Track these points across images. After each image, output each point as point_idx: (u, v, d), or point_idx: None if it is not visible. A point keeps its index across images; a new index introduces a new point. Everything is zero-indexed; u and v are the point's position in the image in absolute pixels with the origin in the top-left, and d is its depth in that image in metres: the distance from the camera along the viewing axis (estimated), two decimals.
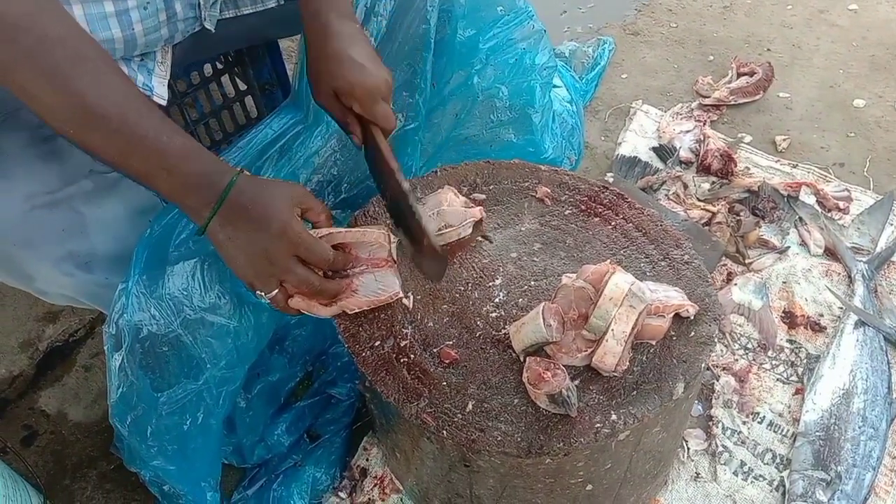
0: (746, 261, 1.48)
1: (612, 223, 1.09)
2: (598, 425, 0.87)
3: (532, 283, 1.03)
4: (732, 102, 1.75)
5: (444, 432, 0.90)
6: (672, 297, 0.95)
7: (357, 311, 0.99)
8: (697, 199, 1.58)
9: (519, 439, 0.88)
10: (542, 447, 0.87)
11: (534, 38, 1.36)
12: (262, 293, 0.93)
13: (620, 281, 0.92)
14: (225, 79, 1.49)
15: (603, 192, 1.13)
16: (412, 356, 0.97)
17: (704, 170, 1.62)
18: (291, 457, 1.29)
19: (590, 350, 0.91)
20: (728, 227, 1.51)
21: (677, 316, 0.95)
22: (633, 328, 0.90)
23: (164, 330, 1.02)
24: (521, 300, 1.00)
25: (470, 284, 1.04)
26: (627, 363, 0.92)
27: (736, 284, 1.44)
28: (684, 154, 1.65)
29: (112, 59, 0.88)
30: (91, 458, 1.33)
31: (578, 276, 0.97)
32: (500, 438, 0.88)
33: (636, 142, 1.70)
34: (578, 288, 0.95)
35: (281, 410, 1.32)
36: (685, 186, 1.60)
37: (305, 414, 1.33)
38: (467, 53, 1.33)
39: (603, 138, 1.73)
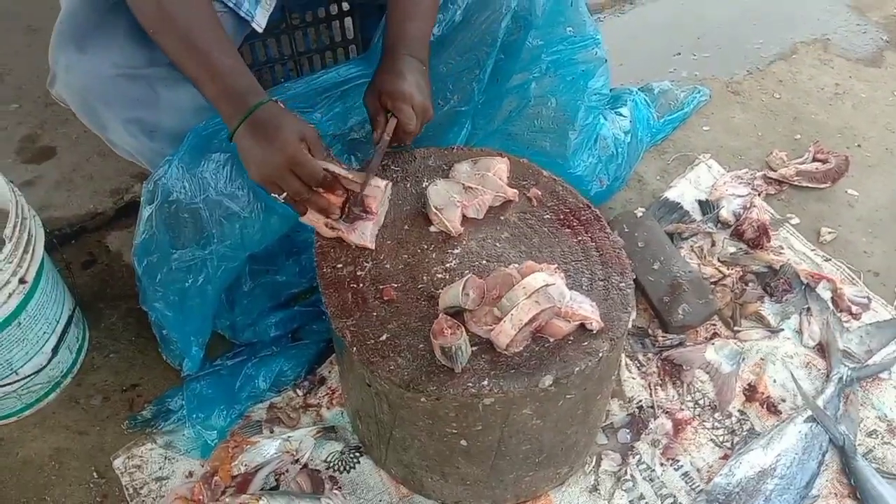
0: (735, 328, 1.53)
1: (579, 237, 1.20)
2: (469, 384, 1.01)
3: (484, 262, 1.17)
4: (796, 183, 1.77)
5: (355, 349, 1.07)
6: (584, 308, 1.06)
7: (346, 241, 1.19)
8: (718, 259, 1.63)
9: (405, 374, 1.03)
10: (418, 385, 1.02)
11: (593, 64, 1.48)
12: (276, 196, 1.14)
13: (539, 278, 1.05)
14: (337, 25, 1.70)
15: (584, 210, 1.24)
16: (360, 285, 1.15)
17: (737, 235, 1.66)
18: (272, 347, 1.50)
19: (493, 326, 1.05)
20: (731, 292, 1.56)
21: (583, 326, 1.06)
22: (531, 319, 1.02)
23: (189, 200, 1.25)
24: (466, 272, 1.15)
25: (433, 246, 1.19)
26: (521, 347, 1.05)
27: (714, 344, 1.49)
28: (725, 215, 1.70)
29: None
30: (126, 294, 1.60)
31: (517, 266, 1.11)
32: (391, 368, 1.04)
33: (686, 190, 1.77)
34: (507, 273, 1.09)
35: (277, 308, 1.54)
36: (712, 244, 1.66)
37: (296, 317, 1.53)
38: (531, 61, 1.47)
39: (658, 178, 1.81)
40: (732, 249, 1.65)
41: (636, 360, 1.49)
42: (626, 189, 1.78)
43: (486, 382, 1.01)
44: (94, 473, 1.38)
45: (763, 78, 2.03)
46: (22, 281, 1.30)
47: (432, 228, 1.21)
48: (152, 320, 1.42)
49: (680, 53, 2.10)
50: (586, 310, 1.06)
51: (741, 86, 2.01)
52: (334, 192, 1.16)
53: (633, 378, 1.46)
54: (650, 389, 1.44)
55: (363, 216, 1.19)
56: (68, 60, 1.16)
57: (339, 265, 1.18)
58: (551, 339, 1.06)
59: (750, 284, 1.58)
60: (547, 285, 1.05)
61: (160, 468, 1.38)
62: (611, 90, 1.92)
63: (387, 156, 1.30)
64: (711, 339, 1.51)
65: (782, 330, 1.52)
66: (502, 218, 1.24)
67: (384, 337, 1.09)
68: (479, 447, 1.12)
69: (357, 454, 1.38)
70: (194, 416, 1.40)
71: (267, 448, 1.38)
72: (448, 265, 1.17)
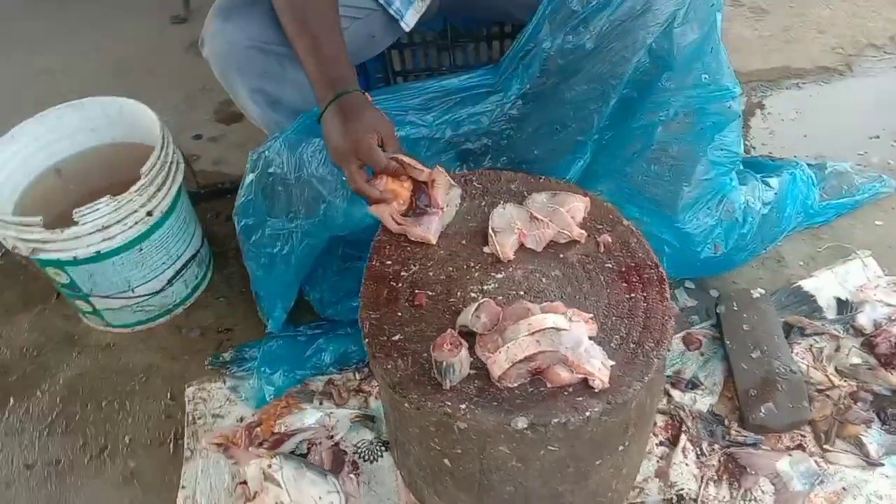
0: (825, 445, 1.33)
1: (632, 294, 1.13)
2: (447, 403, 1.00)
3: (521, 293, 1.14)
4: None
5: (367, 341, 1.11)
6: (591, 364, 1.00)
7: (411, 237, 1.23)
8: (835, 367, 1.43)
9: (396, 376, 1.05)
10: (403, 390, 1.03)
11: (725, 117, 1.38)
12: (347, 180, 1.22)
13: (549, 319, 1.01)
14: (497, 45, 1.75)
15: (650, 268, 1.16)
16: (399, 284, 1.18)
17: (869, 346, 1.45)
18: (347, 328, 1.58)
19: (493, 354, 1.03)
20: (834, 405, 1.37)
21: (587, 381, 1.00)
22: (528, 358, 0.99)
23: (284, 175, 1.37)
24: (500, 297, 1.13)
25: (480, 266, 1.19)
26: (514, 383, 1.02)
27: (791, 455, 1.32)
28: (863, 321, 1.48)
29: None
30: None
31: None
32: (388, 367, 1.06)
33: (828, 283, 1.57)
34: (525, 307, 1.06)
35: None
36: (836, 349, 1.46)
37: None
38: (661, 103, 1.40)
39: (801, 263, 1.63)
40: (857, 360, 1.44)
41: (698, 447, 1.36)
42: (760, 266, 1.62)
43: (463, 406, 1.00)
44: (169, 394, 1.56)
45: None
46: (149, 213, 1.50)
47: (486, 249, 1.21)
48: (251, 276, 1.56)
49: (879, 137, 1.86)
50: (593, 365, 1.00)
51: None
52: (400, 182, 1.20)
53: (687, 464, 1.34)
54: (701, 482, 1.31)
55: (428, 210, 1.22)
56: (215, 28, 1.32)
57: (389, 262, 1.22)
58: (548, 385, 1.02)
59: (860, 403, 1.37)
60: (557, 329, 1.01)
61: (220, 406, 1.52)
62: (772, 158, 1.78)
63: (471, 173, 1.32)
64: (794, 449, 1.34)
65: (882, 465, 1.30)
66: (561, 256, 1.20)
67: (397, 337, 1.11)
68: (462, 472, 1.10)
69: (384, 448, 1.41)
70: (262, 369, 1.52)
71: (309, 417, 1.46)
72: (485, 287, 1.16)
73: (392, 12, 1.46)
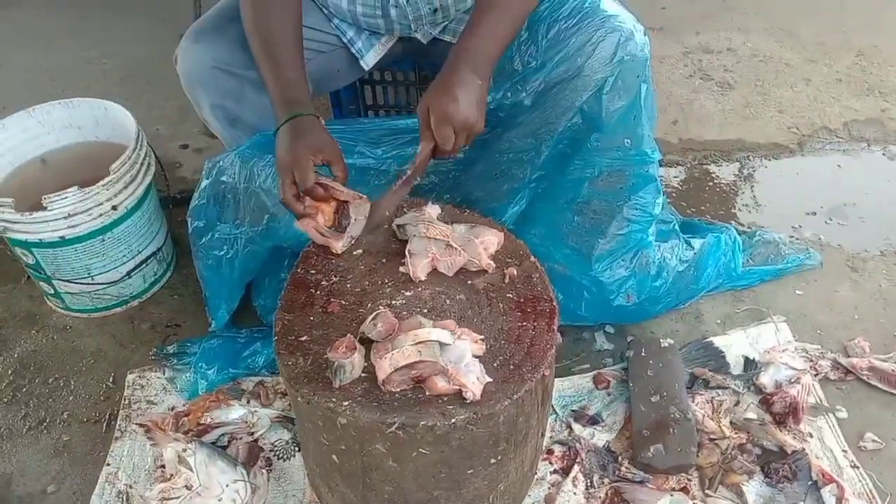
0: (707, 490, 1.41)
1: (523, 323, 1.23)
2: (332, 399, 1.10)
3: (426, 311, 1.25)
4: (865, 379, 1.57)
5: (275, 339, 1.22)
6: (468, 377, 1.10)
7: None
8: (731, 420, 1.52)
9: (293, 371, 1.16)
10: (296, 384, 1.14)
11: (641, 179, 1.50)
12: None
13: (435, 333, 1.12)
14: None
15: (544, 301, 1.26)
16: (317, 291, 1.29)
17: (766, 403, 1.53)
18: None
19: None
20: (721, 454, 1.45)
21: (462, 392, 1.10)
22: (409, 365, 1.09)
23: (236, 185, 1.49)
24: (404, 312, 1.24)
25: (393, 283, 1.30)
26: (396, 388, 1.12)
27: (672, 496, 1.40)
28: (765, 380, 1.57)
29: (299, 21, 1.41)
30: None
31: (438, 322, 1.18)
32: (289, 363, 1.17)
33: (738, 342, 1.66)
34: (419, 321, 1.17)
35: None
36: (735, 404, 1.55)
37: None
38: (590, 160, 1.52)
39: (718, 321, 1.72)
40: (752, 416, 1.52)
41: (589, 479, 1.44)
42: (678, 320, 1.72)
43: (346, 403, 1.10)
44: (112, 378, 1.67)
45: None
46: (114, 208, 1.62)
47: (402, 269, 1.32)
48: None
49: (815, 213, 1.96)
50: (468, 379, 1.10)
51: (865, 264, 1.83)
52: (326, 201, 1.32)
53: (576, 493, 1.42)
54: None
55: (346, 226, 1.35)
56: (184, 47, 1.47)
57: (313, 271, 1.33)
58: (427, 393, 1.12)
59: (746, 455, 1.45)
60: (441, 343, 1.11)
61: (155, 394, 1.62)
62: (707, 222, 1.89)
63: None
64: (678, 490, 1.42)
65: None
66: (469, 283, 1.30)
67: (304, 338, 1.22)
68: (347, 469, 1.20)
69: (297, 448, 1.50)
70: (200, 364, 1.62)
71: (234, 413, 1.55)
72: (394, 302, 1.26)
73: (354, 51, 1.60)
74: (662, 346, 1.61)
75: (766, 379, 1.58)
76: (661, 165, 1.62)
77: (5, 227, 1.58)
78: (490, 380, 1.13)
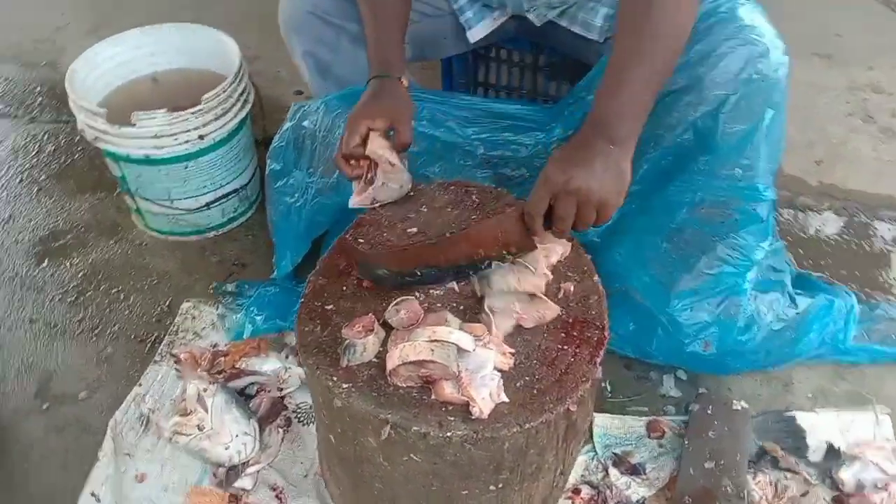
0: None
1: (563, 347, 1.09)
2: (332, 378, 1.03)
3: (462, 308, 1.14)
4: None
5: (301, 301, 1.15)
6: (479, 392, 0.99)
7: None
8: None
9: (306, 338, 1.09)
10: (305, 352, 1.07)
11: (747, 217, 1.32)
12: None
13: (455, 335, 1.02)
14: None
15: (594, 330, 1.12)
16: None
17: (838, 502, 1.32)
18: None
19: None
20: None
21: (468, 406, 1.00)
22: (419, 362, 1.00)
23: (316, 132, 1.44)
24: (438, 305, 1.14)
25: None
26: (402, 383, 1.03)
27: None
28: (845, 475, 1.34)
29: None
30: None
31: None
32: (305, 329, 1.11)
33: (827, 426, 1.43)
34: (443, 316, 1.07)
35: None
36: (803, 494, 1.34)
37: None
38: (693, 184, 1.35)
39: (809, 396, 1.50)
40: None
41: None
42: (763, 383, 1.52)
43: (345, 385, 1.02)
44: (168, 303, 1.68)
45: None
46: (201, 137, 1.62)
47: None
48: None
49: None
50: (480, 393, 0.99)
51: None
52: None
53: None
54: None
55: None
56: None
57: (361, 239, 1.25)
58: (431, 396, 1.02)
59: None
60: (459, 346, 1.01)
61: (203, 328, 1.62)
62: (825, 280, 1.66)
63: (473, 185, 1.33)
64: None
65: None
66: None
67: (330, 306, 1.15)
68: (342, 453, 1.13)
69: None
70: (251, 308, 1.60)
71: (270, 365, 1.52)
72: (433, 291, 1.16)
73: (462, 21, 1.50)
74: (734, 408, 1.42)
75: (848, 475, 1.36)
76: (775, 208, 1.42)
77: (97, 137, 1.61)
78: (506, 400, 1.02)
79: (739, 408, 1.42)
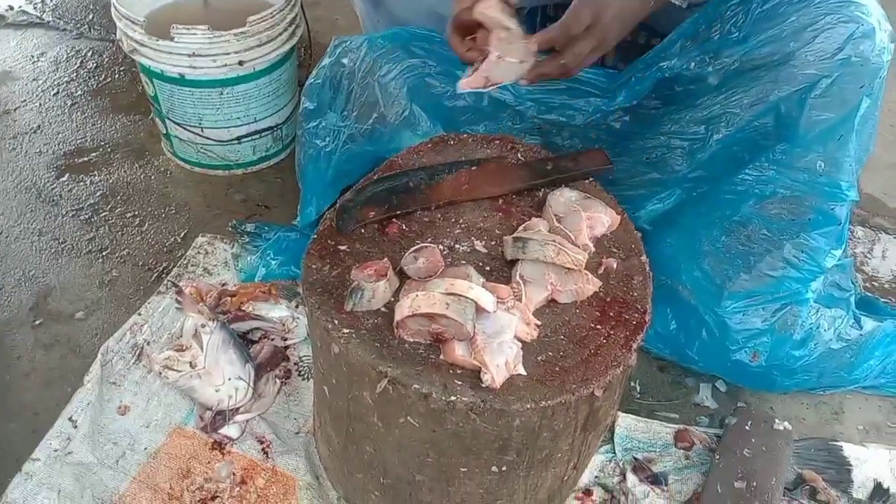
0: None
1: (598, 326, 0.97)
2: (333, 321, 0.92)
3: (488, 269, 1.02)
4: None
5: (313, 237, 1.05)
6: (494, 359, 0.88)
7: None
8: None
9: (311, 276, 0.99)
10: (308, 290, 0.97)
11: (823, 217, 1.18)
12: None
13: (475, 291, 0.90)
14: None
15: (635, 312, 0.99)
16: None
17: None
18: None
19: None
20: None
21: (479, 373, 0.88)
22: (431, 315, 0.88)
23: (354, 71, 1.32)
24: (462, 262, 1.02)
25: (468, 225, 1.08)
26: (409, 337, 0.91)
27: None
28: None
29: None
30: None
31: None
32: (313, 266, 1.00)
33: (877, 461, 1.27)
34: (465, 271, 0.95)
35: None
36: None
37: None
38: (765, 174, 1.21)
39: (860, 427, 1.34)
40: None
41: None
42: (811, 407, 1.37)
43: (346, 331, 0.91)
44: (183, 235, 1.59)
45: None
46: (240, 63, 1.52)
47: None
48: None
49: None
50: (494, 360, 0.87)
51: None
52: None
53: None
54: None
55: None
56: None
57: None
58: (440, 356, 0.90)
59: None
60: (479, 304, 0.89)
61: (215, 265, 1.52)
62: (887, 306, 1.51)
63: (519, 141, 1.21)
64: None
65: None
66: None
67: (344, 247, 1.04)
68: (335, 409, 1.01)
69: None
70: (267, 251, 1.51)
71: (277, 312, 1.42)
72: (458, 246, 1.04)
73: None
74: (775, 426, 1.27)
75: None
76: (852, 212, 1.27)
77: (134, 49, 1.53)
78: (523, 373, 0.89)
79: (782, 428, 1.27)
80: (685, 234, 1.31)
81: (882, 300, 1.53)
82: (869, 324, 1.33)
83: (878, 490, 1.25)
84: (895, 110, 2.03)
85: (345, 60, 1.33)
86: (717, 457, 1.24)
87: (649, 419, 1.33)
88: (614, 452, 1.27)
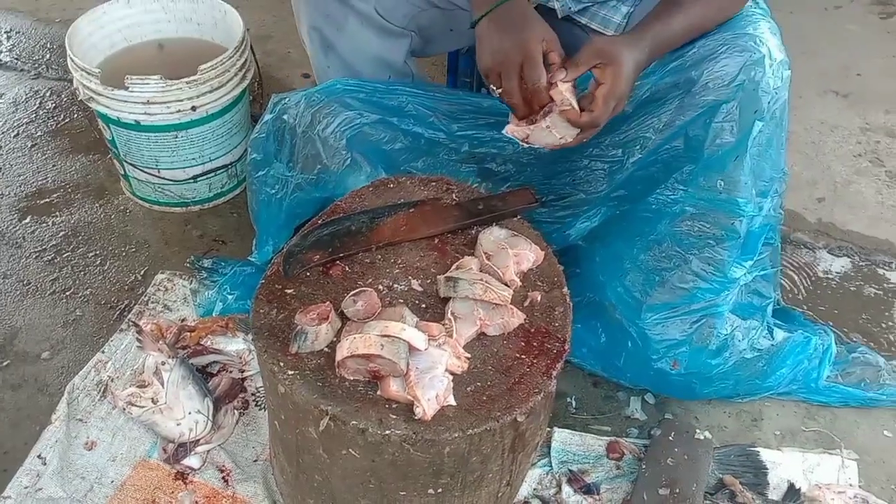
0: None
1: (522, 356, 1.07)
2: (279, 363, 1.01)
3: (423, 306, 1.12)
4: None
5: (261, 282, 1.14)
6: (425, 394, 0.97)
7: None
8: None
9: (261, 322, 1.08)
10: (257, 333, 1.06)
11: (725, 232, 1.30)
12: (493, 89, 1.21)
13: (408, 333, 1.00)
14: None
15: (555, 342, 1.09)
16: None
17: None
18: None
19: None
20: None
21: (413, 406, 0.97)
22: (367, 357, 0.98)
23: (295, 127, 1.41)
24: (400, 301, 1.12)
25: (405, 266, 1.17)
26: (349, 375, 1.01)
27: None
28: None
29: None
30: None
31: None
32: (261, 311, 1.09)
33: (790, 464, 1.40)
34: (400, 312, 1.05)
35: None
36: None
37: None
38: (672, 197, 1.33)
39: (777, 433, 1.46)
40: None
41: None
42: (732, 415, 1.49)
43: (290, 372, 1.00)
44: (144, 272, 1.67)
45: None
46: (193, 108, 1.61)
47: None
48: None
49: None
50: (425, 394, 0.97)
51: None
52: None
53: None
54: None
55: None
56: None
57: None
58: (378, 392, 1.00)
59: None
60: (411, 344, 0.99)
61: (174, 301, 1.60)
62: (809, 318, 1.63)
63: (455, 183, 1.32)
64: None
65: None
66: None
67: (291, 290, 1.13)
68: (286, 441, 1.11)
69: None
70: (224, 286, 1.59)
71: (234, 345, 1.51)
72: (395, 286, 1.14)
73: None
74: (696, 436, 1.39)
75: None
76: (773, 230, 1.43)
77: (91, 97, 1.60)
78: (453, 403, 0.99)
79: (702, 437, 1.39)
80: (609, 253, 1.43)
81: (797, 310, 1.66)
82: (780, 334, 1.46)
83: (791, 491, 1.37)
84: (814, 128, 2.18)
85: (285, 117, 1.42)
86: (644, 466, 1.35)
87: (584, 433, 1.44)
88: (551, 466, 1.38)
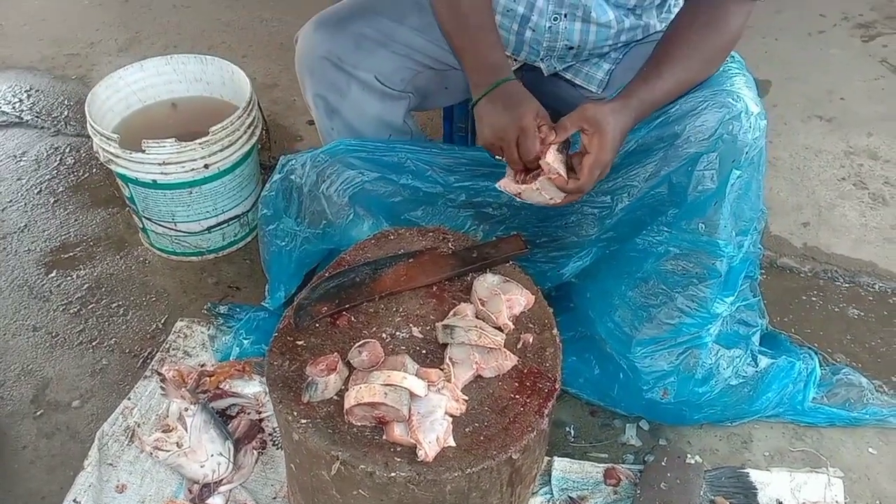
0: None
1: (516, 396, 1.16)
2: (293, 413, 1.11)
3: (424, 353, 1.21)
4: None
5: (274, 335, 1.24)
6: (427, 437, 1.07)
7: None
8: None
9: (275, 373, 1.17)
10: (271, 385, 1.15)
11: (707, 271, 1.39)
12: (497, 157, 1.35)
13: (408, 381, 1.09)
14: None
15: (547, 381, 1.19)
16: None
17: None
18: None
19: None
20: None
21: (416, 448, 1.07)
22: (372, 405, 1.07)
23: (302, 186, 1.51)
24: (402, 348, 1.21)
25: (406, 314, 1.27)
26: (358, 422, 1.10)
27: None
28: None
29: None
30: None
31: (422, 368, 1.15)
32: (274, 363, 1.19)
33: (776, 484, 1.48)
34: (402, 361, 1.14)
35: None
36: None
37: None
38: (660, 235, 1.43)
39: (766, 454, 1.54)
40: None
41: None
42: (723, 439, 1.57)
43: (304, 421, 1.10)
44: (164, 320, 1.77)
45: None
46: (206, 166, 1.72)
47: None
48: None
49: None
50: (427, 437, 1.07)
51: None
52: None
53: None
54: None
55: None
56: (304, 32, 1.52)
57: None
58: (384, 436, 1.09)
59: None
60: (412, 392, 1.08)
61: (194, 347, 1.71)
62: (795, 342, 1.71)
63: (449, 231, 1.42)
64: None
65: None
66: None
67: (301, 342, 1.23)
68: (301, 482, 1.20)
69: None
70: (240, 331, 1.69)
71: (251, 388, 1.61)
72: (398, 333, 1.24)
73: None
74: (688, 461, 1.47)
75: None
76: (756, 265, 1.53)
77: (110, 160, 1.72)
78: (453, 444, 1.09)
79: (693, 462, 1.48)
80: (599, 290, 1.53)
81: (784, 334, 1.74)
82: (764, 361, 1.54)
83: (743, 486, 1.46)
84: (799, 153, 2.27)
85: (293, 177, 1.52)
86: (639, 491, 1.44)
87: (582, 460, 1.52)
88: (552, 493, 1.47)
